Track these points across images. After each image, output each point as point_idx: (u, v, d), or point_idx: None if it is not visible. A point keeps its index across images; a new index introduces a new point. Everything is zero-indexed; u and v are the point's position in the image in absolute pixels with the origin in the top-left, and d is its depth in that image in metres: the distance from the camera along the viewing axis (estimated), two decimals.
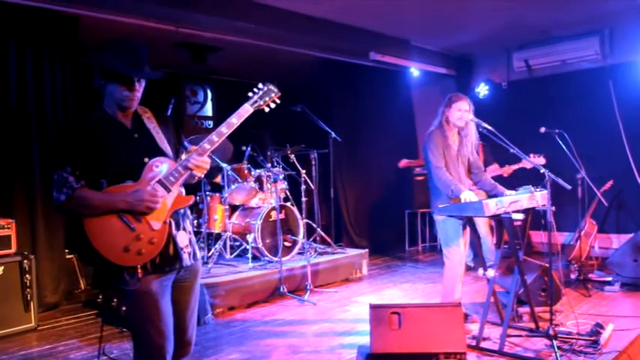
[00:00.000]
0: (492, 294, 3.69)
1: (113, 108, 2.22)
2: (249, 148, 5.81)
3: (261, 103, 2.36)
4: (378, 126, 7.32)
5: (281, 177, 5.55)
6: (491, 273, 3.90)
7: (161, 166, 2.20)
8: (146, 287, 2.15)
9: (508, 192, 3.65)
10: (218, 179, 5.52)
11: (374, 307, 3.26)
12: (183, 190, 2.31)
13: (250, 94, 2.37)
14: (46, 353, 3.67)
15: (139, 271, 2.12)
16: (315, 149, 6.06)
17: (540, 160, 4.92)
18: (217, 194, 5.49)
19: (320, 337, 3.88)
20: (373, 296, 4.99)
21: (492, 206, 3.26)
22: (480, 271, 3.71)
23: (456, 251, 3.77)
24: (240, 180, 5.41)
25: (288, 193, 5.77)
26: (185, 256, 2.26)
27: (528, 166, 4.69)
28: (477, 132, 3.88)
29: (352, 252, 5.98)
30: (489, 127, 3.75)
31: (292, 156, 5.66)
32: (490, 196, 3.74)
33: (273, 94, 2.38)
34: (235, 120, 2.27)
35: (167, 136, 2.31)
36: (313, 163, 6.07)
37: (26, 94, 4.58)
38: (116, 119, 2.22)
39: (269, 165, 5.60)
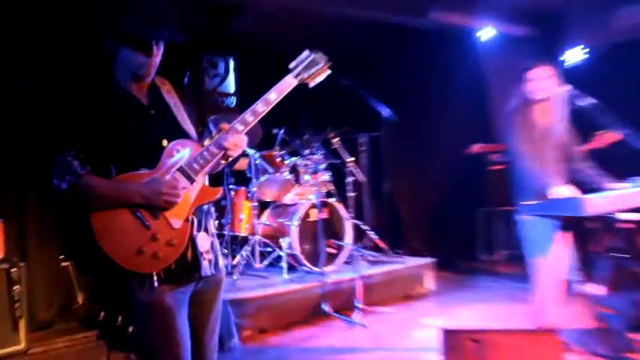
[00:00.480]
0: (597, 317, 3.60)
1: (126, 79, 2.23)
2: (282, 132, 5.80)
3: (306, 75, 2.34)
4: (442, 103, 7.23)
5: (322, 167, 5.54)
6: (595, 289, 3.80)
7: (183, 151, 2.20)
8: (159, 301, 2.14)
9: (616, 185, 3.58)
10: (244, 165, 5.53)
11: (447, 333, 3.20)
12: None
13: (293, 64, 2.35)
14: None
15: (154, 279, 2.11)
16: (365, 132, 6.01)
17: (614, 137, 4.65)
18: (243, 188, 5.54)
19: None
20: (441, 318, 4.92)
21: (596, 203, 3.17)
22: (582, 286, 3.64)
23: (547, 262, 3.64)
24: (271, 170, 5.43)
25: (332, 187, 5.76)
26: (205, 264, 2.25)
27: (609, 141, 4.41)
28: (571, 107, 3.74)
29: (413, 261, 5.95)
30: (589, 101, 3.62)
31: (336, 140, 5.63)
32: (589, 191, 3.59)
33: (321, 65, 2.36)
34: (274, 95, 2.27)
35: (189, 113, 2.32)
36: (362, 149, 6.06)
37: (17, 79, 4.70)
38: (129, 93, 2.23)
39: (307, 152, 5.60)
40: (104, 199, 2.09)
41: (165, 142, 2.19)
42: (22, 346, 4.14)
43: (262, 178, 5.41)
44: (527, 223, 3.69)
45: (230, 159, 2.27)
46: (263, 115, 2.28)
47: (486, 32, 6.80)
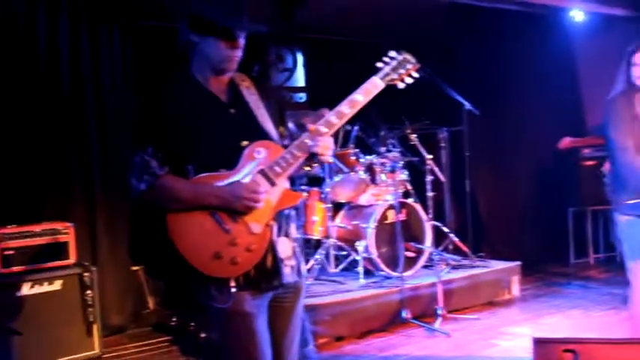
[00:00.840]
0: None
1: (205, 73, 2.24)
2: (356, 128, 5.80)
3: (395, 76, 2.32)
4: (528, 93, 7.10)
5: (399, 165, 5.52)
6: None
7: (264, 153, 2.19)
8: (238, 307, 2.14)
9: None
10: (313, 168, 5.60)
11: (539, 342, 3.14)
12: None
13: (380, 64, 2.33)
14: None
15: (232, 284, 2.12)
16: (445, 126, 5.98)
17: None
18: (316, 189, 5.53)
19: None
20: (529, 326, 4.85)
21: None
22: None
23: None
24: (346, 170, 5.44)
25: (410, 187, 5.74)
26: (286, 271, 2.24)
27: None
28: None
29: (497, 265, 5.87)
30: None
31: (414, 136, 5.58)
32: None
33: (410, 66, 2.35)
34: (361, 97, 2.25)
35: (270, 112, 2.32)
36: (442, 145, 6.03)
37: (80, 70, 4.91)
38: (208, 89, 2.24)
39: (383, 149, 5.58)
40: (183, 201, 2.10)
41: (244, 143, 2.17)
42: (96, 351, 4.35)
43: (336, 178, 5.40)
44: (626, 224, 3.58)
45: (329, 160, 2.27)
46: (349, 117, 2.26)
47: (579, 13, 6.63)
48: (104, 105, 5.02)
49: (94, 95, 4.97)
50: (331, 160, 2.27)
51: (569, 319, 5.05)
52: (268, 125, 2.29)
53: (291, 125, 2.47)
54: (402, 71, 2.34)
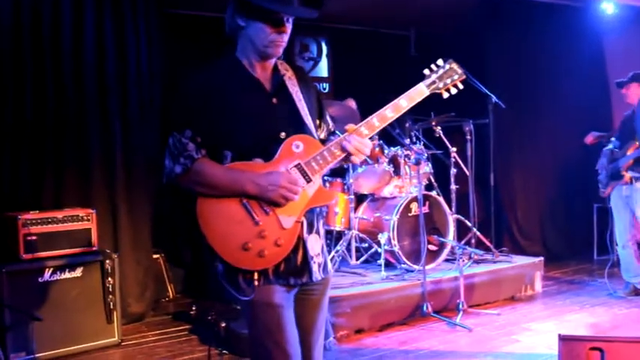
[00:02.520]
0: None
1: (250, 57, 2.21)
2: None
3: (441, 85, 2.31)
4: (555, 87, 7.06)
5: (424, 157, 5.48)
6: None
7: (302, 147, 2.18)
8: (268, 298, 2.15)
9: None
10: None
11: (565, 340, 3.09)
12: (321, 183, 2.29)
13: (427, 71, 2.32)
14: None
15: (256, 277, 2.12)
16: (471, 119, 5.93)
17: None
18: (339, 180, 5.53)
19: None
20: (552, 322, 4.81)
21: None
22: None
23: None
24: (369, 161, 5.40)
25: (434, 180, 5.72)
26: (315, 268, 2.24)
27: None
28: None
29: (520, 260, 5.82)
30: None
31: (438, 129, 5.55)
32: None
33: (456, 77, 2.33)
34: (405, 103, 2.24)
35: (309, 105, 2.29)
36: (468, 138, 5.96)
37: (104, 57, 4.90)
38: (253, 74, 2.21)
39: (408, 141, 5.56)
40: (219, 186, 2.09)
41: (282, 135, 2.16)
42: (116, 338, 4.38)
43: (359, 170, 5.38)
44: None
45: (359, 161, 2.23)
46: (391, 120, 2.24)
47: (610, 5, 6.52)
48: (127, 93, 5.01)
49: (118, 83, 4.96)
50: (359, 161, 2.23)
51: (592, 316, 4.99)
52: (308, 119, 2.25)
53: (330, 122, 2.44)
54: (447, 81, 2.32)
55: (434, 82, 2.30)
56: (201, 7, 6.24)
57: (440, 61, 2.33)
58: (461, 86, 2.33)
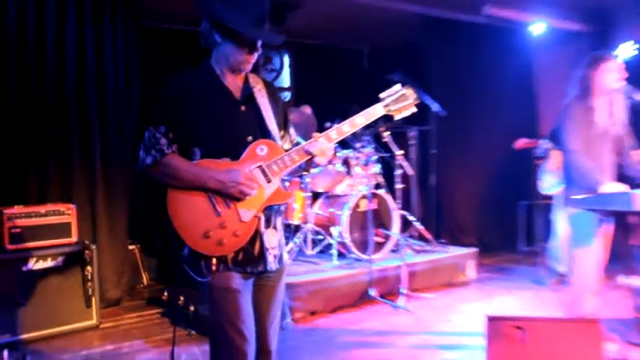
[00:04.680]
0: (637, 308, 3.54)
1: (223, 68, 2.21)
2: (335, 125, 5.75)
3: (394, 108, 2.34)
4: (490, 98, 7.14)
5: (373, 159, 5.53)
6: (635, 281, 3.73)
7: (266, 150, 2.19)
8: (226, 283, 2.16)
9: None
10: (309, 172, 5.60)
11: (492, 320, 3.17)
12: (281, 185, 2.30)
13: (383, 94, 2.34)
14: (110, 354, 3.89)
15: (214, 262, 2.13)
16: (415, 126, 5.98)
17: None
18: (297, 179, 5.52)
19: (417, 351, 3.85)
20: (482, 305, 4.89)
21: None
22: (622, 278, 3.55)
23: (589, 254, 3.56)
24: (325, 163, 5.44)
25: (381, 179, 5.74)
26: (270, 259, 2.25)
27: None
28: (628, 104, 3.61)
29: (456, 251, 5.90)
30: None
31: (386, 134, 5.52)
32: (637, 186, 3.50)
33: (410, 101, 2.35)
34: (361, 120, 2.27)
35: (276, 115, 2.30)
36: (411, 143, 6.04)
37: (85, 64, 4.83)
38: (223, 84, 2.22)
39: (358, 145, 5.57)
40: (184, 180, 2.10)
41: (249, 139, 2.17)
42: (94, 321, 4.35)
43: (315, 170, 5.34)
44: (573, 216, 3.61)
45: (323, 163, 2.24)
46: (347, 135, 2.27)
47: (538, 27, 6.64)
48: (105, 98, 4.95)
49: (97, 87, 4.91)
50: (323, 162, 2.27)
51: (518, 299, 5.10)
52: (273, 126, 2.25)
53: (292, 132, 2.46)
54: (400, 105, 2.34)
55: (388, 105, 2.32)
56: (173, 21, 6.19)
57: (397, 86, 2.35)
58: (414, 109, 2.35)
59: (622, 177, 3.56)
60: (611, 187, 3.30)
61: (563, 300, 3.61)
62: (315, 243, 5.61)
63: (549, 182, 5.48)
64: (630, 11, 6.77)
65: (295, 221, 5.49)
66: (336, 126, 2.26)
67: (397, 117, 2.36)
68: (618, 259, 3.71)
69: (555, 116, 3.67)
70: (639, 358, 3.47)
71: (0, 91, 4.46)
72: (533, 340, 3.11)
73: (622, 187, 3.29)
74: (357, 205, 5.31)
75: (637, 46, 6.54)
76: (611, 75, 3.47)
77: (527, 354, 3.10)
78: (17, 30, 4.54)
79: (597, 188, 3.33)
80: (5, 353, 3.45)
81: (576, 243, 3.61)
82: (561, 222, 3.65)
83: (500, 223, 7.29)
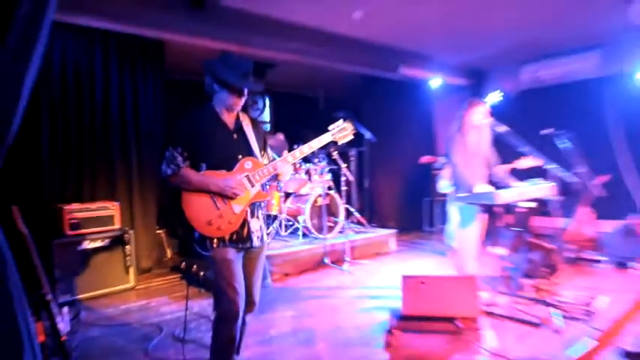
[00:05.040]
0: (502, 269, 3.62)
1: (221, 108, 2.21)
2: (299, 147, 5.75)
3: (339, 136, 2.37)
4: (404, 128, 7.18)
5: (326, 170, 5.55)
6: (501, 251, 3.81)
7: (251, 165, 2.20)
8: (224, 255, 2.16)
9: (518, 184, 3.53)
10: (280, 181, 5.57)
11: (405, 277, 3.23)
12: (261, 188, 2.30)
13: (331, 127, 2.37)
14: (143, 307, 3.82)
15: (215, 242, 2.14)
16: (354, 148, 6.01)
17: (534, 162, 4.49)
18: (275, 183, 5.45)
19: (356, 300, 3.89)
20: (400, 268, 4.93)
21: (504, 196, 3.18)
22: (492, 248, 3.63)
23: (469, 233, 3.62)
24: (292, 172, 5.43)
25: (332, 184, 5.76)
26: (254, 238, 2.26)
27: (525, 165, 4.30)
28: (492, 133, 3.70)
29: (382, 231, 5.94)
30: (504, 128, 3.57)
31: (335, 153, 5.61)
32: (501, 187, 3.60)
33: (347, 132, 2.39)
34: (316, 144, 2.30)
35: (258, 139, 2.30)
36: (352, 159, 6.05)
37: (125, 102, 4.73)
38: (221, 119, 2.21)
39: (316, 160, 5.59)
40: (193, 185, 2.11)
41: (239, 157, 2.18)
42: (131, 284, 4.27)
43: (287, 178, 5.35)
44: (459, 207, 3.67)
45: (285, 179, 2.31)
46: (306, 154, 2.30)
47: (435, 82, 6.71)
48: (139, 127, 4.85)
49: (133, 119, 4.80)
50: (284, 179, 2.32)
51: (424, 263, 5.17)
52: (256, 148, 2.27)
53: (270, 151, 2.46)
54: (343, 134, 2.39)
55: (335, 133, 2.37)
56: (186, 75, 6.11)
57: (340, 121, 2.39)
58: (352, 137, 2.39)
59: (490, 182, 3.66)
60: (482, 188, 3.37)
61: (453, 264, 3.66)
62: (287, 227, 5.58)
63: (444, 185, 5.57)
64: (497, 72, 6.99)
65: (273, 212, 5.46)
66: (299, 148, 2.29)
67: (340, 142, 2.40)
68: (489, 236, 3.82)
69: (447, 142, 3.73)
70: (503, 302, 3.53)
71: (63, 123, 4.31)
72: (432, 291, 3.17)
73: (489, 189, 3.37)
74: (315, 201, 5.32)
75: (501, 94, 6.72)
76: (479, 114, 3.54)
77: (427, 300, 3.16)
78: (74, 79, 4.39)
79: (473, 189, 3.40)
80: (65, 309, 3.31)
81: (462, 225, 3.66)
82: (452, 211, 3.72)
83: (412, 212, 7.33)
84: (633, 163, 5.69)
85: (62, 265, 3.81)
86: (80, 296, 3.89)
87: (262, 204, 2.34)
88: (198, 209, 2.13)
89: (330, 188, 5.72)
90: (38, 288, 2.76)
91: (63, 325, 2.95)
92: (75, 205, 4.02)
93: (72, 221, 3.94)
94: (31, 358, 1.60)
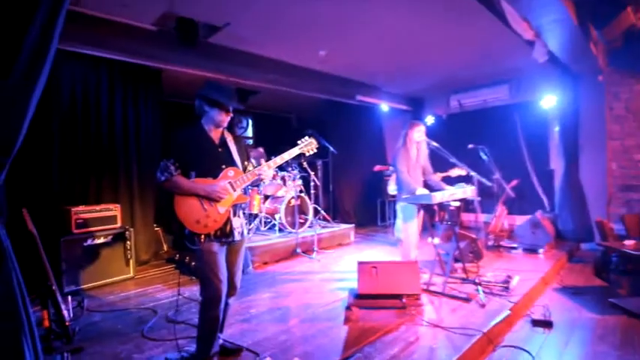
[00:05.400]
0: (437, 255, 3.64)
1: (210, 126, 2.16)
2: (274, 158, 5.68)
3: (305, 149, 2.36)
4: (361, 143, 7.22)
5: (297, 177, 5.48)
6: (436, 241, 3.84)
7: (233, 173, 2.16)
8: (210, 248, 2.11)
9: (448, 187, 3.59)
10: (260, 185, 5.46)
11: (360, 263, 3.20)
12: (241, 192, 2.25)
13: (299, 141, 2.35)
14: (141, 294, 3.62)
15: (202, 237, 2.09)
16: (320, 159, 5.98)
17: (461, 171, 4.59)
18: (256, 188, 5.33)
19: (323, 282, 3.82)
20: (357, 255, 4.92)
21: (438, 197, 3.22)
22: (429, 239, 3.64)
23: (411, 227, 3.65)
24: (271, 179, 5.35)
25: (302, 188, 5.69)
26: (236, 234, 2.20)
27: (456, 174, 4.37)
28: (427, 147, 3.78)
29: (344, 226, 5.90)
30: (436, 144, 3.68)
31: (305, 163, 5.58)
32: (436, 190, 3.64)
33: (313, 146, 2.38)
34: (287, 155, 2.27)
35: (240, 153, 2.27)
36: (319, 167, 6.06)
37: (127, 121, 4.51)
38: (209, 135, 2.16)
39: (290, 169, 5.52)
40: (184, 189, 2.05)
41: (224, 167, 2.14)
42: (131, 274, 4.05)
43: (266, 183, 5.30)
44: (402, 207, 3.69)
45: (260, 182, 2.25)
46: (279, 164, 2.26)
47: (384, 107, 6.78)
48: (139, 141, 4.62)
49: (135, 135, 4.57)
50: (266, 180, 2.26)
51: (377, 251, 5.15)
52: (238, 160, 2.22)
53: (253, 160, 2.40)
54: (308, 147, 2.37)
55: (302, 147, 2.34)
56: (180, 97, 5.93)
57: (307, 137, 2.38)
58: (315, 150, 2.39)
59: (426, 186, 3.70)
60: (421, 191, 3.41)
61: (399, 252, 3.66)
62: (266, 224, 5.47)
63: (392, 188, 5.63)
64: (431, 99, 7.15)
65: (255, 211, 5.25)
66: (274, 158, 2.25)
67: (307, 154, 2.38)
68: (426, 229, 3.84)
69: (393, 154, 3.77)
70: (439, 281, 3.54)
71: (72, 138, 4.06)
72: (381, 274, 3.15)
73: (426, 191, 3.41)
74: (289, 202, 5.23)
75: (433, 117, 6.87)
76: (417, 133, 3.62)
77: (379, 281, 3.13)
78: (83, 99, 4.15)
79: (414, 192, 3.43)
80: (69, 298, 3.09)
81: (405, 220, 3.68)
82: (398, 210, 3.76)
83: (368, 210, 7.30)
84: (535, 170, 5.93)
85: (69, 260, 3.55)
86: (84, 286, 3.64)
87: (243, 205, 2.29)
88: (188, 210, 2.08)
89: (301, 191, 5.67)
90: (45, 280, 2.55)
91: (67, 312, 2.74)
92: (81, 207, 3.78)
93: (78, 221, 3.69)
94: (29, 344, 1.47)
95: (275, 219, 5.22)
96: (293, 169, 5.56)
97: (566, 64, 4.96)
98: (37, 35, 1.27)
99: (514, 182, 5.51)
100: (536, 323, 2.92)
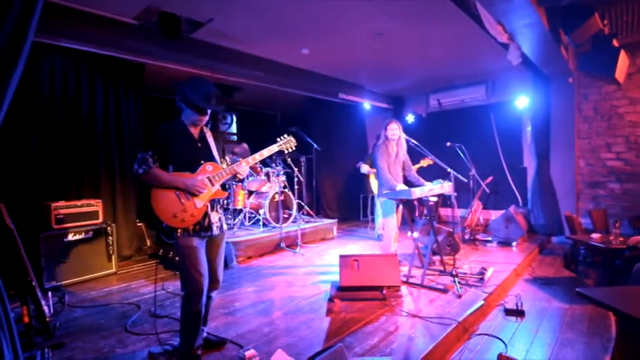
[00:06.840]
0: (416, 248, 3.69)
1: (188, 122, 2.14)
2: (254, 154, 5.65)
3: (284, 147, 2.35)
4: (343, 140, 7.23)
5: (281, 173, 5.43)
6: (416, 234, 3.89)
7: (211, 168, 2.14)
8: (190, 243, 2.08)
9: (426, 183, 3.64)
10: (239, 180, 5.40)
11: (342, 256, 3.21)
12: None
13: (279, 139, 2.35)
14: (124, 289, 3.53)
15: (179, 231, 2.07)
16: (304, 155, 5.95)
17: (429, 161, 4.66)
18: (240, 184, 5.32)
19: (306, 276, 3.82)
20: (340, 249, 4.94)
21: (416, 192, 3.26)
22: (409, 233, 3.69)
23: (391, 221, 3.70)
24: (254, 175, 5.29)
25: (286, 183, 5.67)
26: (214, 228, 2.18)
27: (426, 164, 4.44)
28: (406, 144, 3.82)
29: (327, 221, 5.89)
30: (414, 141, 3.73)
31: (289, 159, 5.54)
32: (415, 186, 3.69)
33: (292, 143, 2.37)
34: (266, 152, 2.26)
35: (218, 149, 2.25)
36: (302, 164, 5.99)
37: (108, 115, 4.38)
38: (188, 130, 2.14)
39: (274, 165, 5.47)
40: (162, 182, 2.02)
41: (202, 162, 2.12)
42: (113, 269, 3.95)
43: (250, 179, 5.25)
44: (383, 202, 3.73)
45: (238, 178, 2.22)
46: (258, 160, 2.26)
47: (367, 105, 6.81)
48: (122, 135, 4.49)
49: (116, 129, 4.44)
50: (243, 177, 2.25)
51: (358, 245, 5.17)
52: (216, 155, 2.20)
53: (228, 157, 2.39)
54: (287, 145, 2.36)
55: (281, 145, 2.33)
56: (160, 92, 5.79)
57: (285, 135, 2.37)
58: (295, 147, 2.38)
59: (406, 182, 3.75)
60: (401, 187, 3.45)
61: (380, 245, 3.69)
62: (250, 219, 5.41)
63: (374, 185, 5.67)
64: (411, 99, 7.22)
65: (239, 207, 5.26)
66: (253, 155, 2.25)
67: (287, 151, 2.38)
68: (406, 224, 3.90)
69: (373, 151, 3.81)
70: (418, 273, 3.60)
71: (52, 132, 3.91)
72: (363, 267, 3.17)
73: (405, 187, 3.45)
74: (273, 198, 5.19)
75: (413, 116, 6.95)
76: (390, 131, 3.68)
77: (360, 274, 3.16)
78: (62, 93, 4.00)
79: (394, 188, 3.47)
80: (49, 294, 2.99)
81: (385, 215, 3.72)
82: (379, 205, 3.77)
83: (350, 206, 7.32)
84: (509, 168, 6.08)
85: (49, 255, 3.44)
86: (65, 282, 3.53)
87: (221, 200, 2.27)
88: (165, 204, 2.05)
89: (285, 187, 5.64)
90: (25, 276, 2.46)
91: (47, 308, 2.65)
92: (61, 203, 3.65)
93: (58, 216, 3.57)
94: (7, 340, 1.42)
95: (259, 214, 5.17)
96: (277, 165, 5.51)
97: (539, 67, 5.10)
98: (10, 31, 1.21)
99: (489, 179, 5.64)
100: (509, 312, 3.01)
